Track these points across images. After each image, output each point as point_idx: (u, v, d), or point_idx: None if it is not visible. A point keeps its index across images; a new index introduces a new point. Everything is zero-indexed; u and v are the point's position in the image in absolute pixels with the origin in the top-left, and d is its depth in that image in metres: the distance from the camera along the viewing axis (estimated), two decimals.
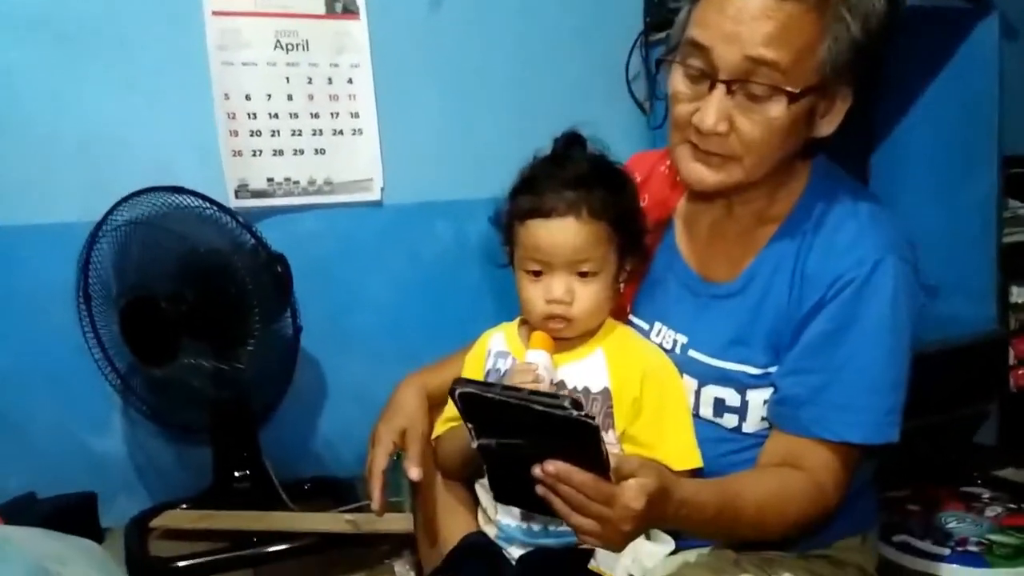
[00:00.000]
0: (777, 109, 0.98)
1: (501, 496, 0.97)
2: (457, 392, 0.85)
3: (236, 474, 1.66)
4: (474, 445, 0.89)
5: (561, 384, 1.03)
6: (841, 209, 1.06)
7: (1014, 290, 2.29)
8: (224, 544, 1.54)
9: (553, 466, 0.83)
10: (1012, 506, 1.79)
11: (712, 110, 0.99)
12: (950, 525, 1.71)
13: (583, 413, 0.79)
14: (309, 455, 1.90)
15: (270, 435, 1.76)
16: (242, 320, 1.47)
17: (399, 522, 1.42)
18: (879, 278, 1.01)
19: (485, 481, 1.07)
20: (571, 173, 1.04)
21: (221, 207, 1.52)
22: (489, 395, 0.83)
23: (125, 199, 1.53)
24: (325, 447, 1.92)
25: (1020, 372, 2.28)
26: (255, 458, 1.67)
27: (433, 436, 1.18)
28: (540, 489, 0.85)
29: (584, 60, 2.06)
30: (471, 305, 1.91)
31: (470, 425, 0.88)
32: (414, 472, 1.13)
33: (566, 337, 1.06)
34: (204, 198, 1.50)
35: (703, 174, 1.05)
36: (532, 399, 0.81)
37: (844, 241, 1.04)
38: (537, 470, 0.84)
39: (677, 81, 1.04)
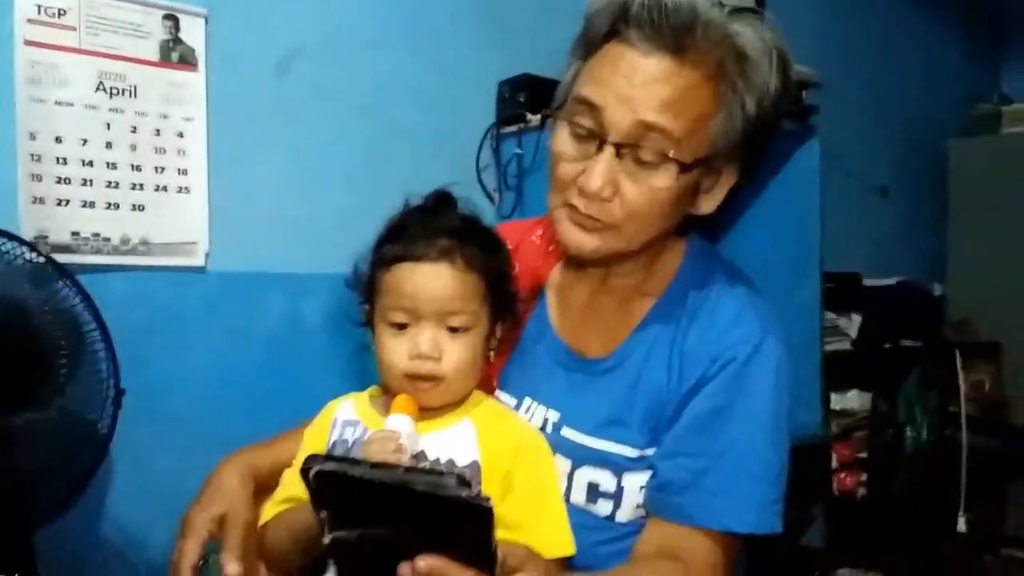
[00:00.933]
0: (665, 178, 0.94)
1: None
2: (313, 471, 0.70)
3: None
4: (327, 540, 0.74)
5: (422, 455, 0.90)
6: (719, 287, 1.03)
7: (833, 397, 2.43)
8: None
9: (426, 562, 0.70)
10: None
11: (598, 172, 0.94)
12: None
13: (475, 493, 0.66)
14: (95, 561, 1.61)
15: (49, 533, 1.47)
16: (39, 382, 1.22)
17: None
18: (761, 359, 0.98)
19: None
20: (444, 223, 0.95)
21: (28, 245, 1.28)
22: (355, 474, 0.69)
23: None
24: (115, 553, 1.63)
25: (842, 476, 2.39)
26: (26, 561, 1.37)
27: (260, 523, 1.00)
28: None
29: (436, 146, 2.02)
30: (302, 389, 1.71)
31: (324, 514, 0.73)
32: (232, 567, 0.95)
33: (431, 405, 0.93)
34: (7, 235, 1.27)
35: (582, 239, 0.99)
36: (410, 478, 0.68)
37: (724, 319, 1.00)
38: (406, 569, 0.70)
39: (562, 140, 0.98)
